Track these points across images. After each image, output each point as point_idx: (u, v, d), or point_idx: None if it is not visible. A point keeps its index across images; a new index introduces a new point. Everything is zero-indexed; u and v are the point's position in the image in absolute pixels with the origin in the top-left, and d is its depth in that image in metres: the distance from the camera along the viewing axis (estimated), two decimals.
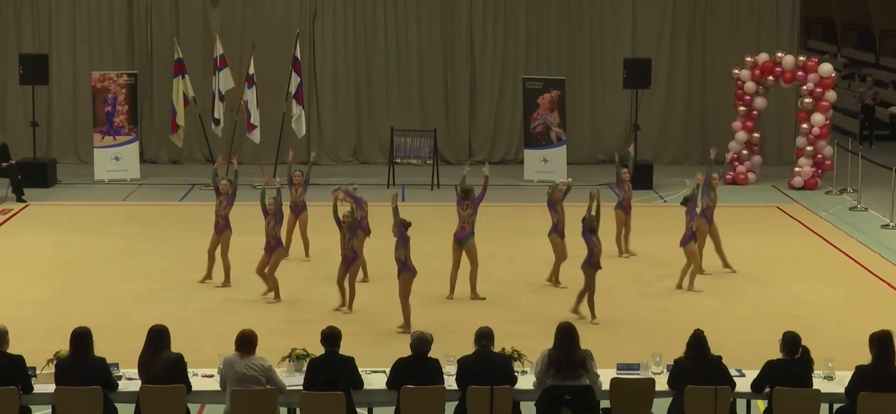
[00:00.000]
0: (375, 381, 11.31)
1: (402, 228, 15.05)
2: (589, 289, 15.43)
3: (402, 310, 15.11)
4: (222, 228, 17.22)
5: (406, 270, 15.09)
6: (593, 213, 15.62)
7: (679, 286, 17.08)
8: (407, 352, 11.17)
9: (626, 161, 19.74)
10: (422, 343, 11.12)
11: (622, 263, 18.54)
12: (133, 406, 10.93)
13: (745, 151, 25.65)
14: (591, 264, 15.42)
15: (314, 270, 18.00)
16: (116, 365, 11.30)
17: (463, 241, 16.63)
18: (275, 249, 16.32)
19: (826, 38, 38.84)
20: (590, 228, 15.46)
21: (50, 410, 11.03)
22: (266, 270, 16.34)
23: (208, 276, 17.31)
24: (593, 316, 15.43)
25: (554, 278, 17.31)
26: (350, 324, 14.86)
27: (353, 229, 15.83)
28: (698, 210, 17.49)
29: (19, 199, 22.84)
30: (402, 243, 15.11)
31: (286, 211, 17.78)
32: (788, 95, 26.59)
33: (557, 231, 17.20)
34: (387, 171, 25.11)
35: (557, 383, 10.95)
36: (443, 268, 16.87)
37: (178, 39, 25.55)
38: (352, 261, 15.75)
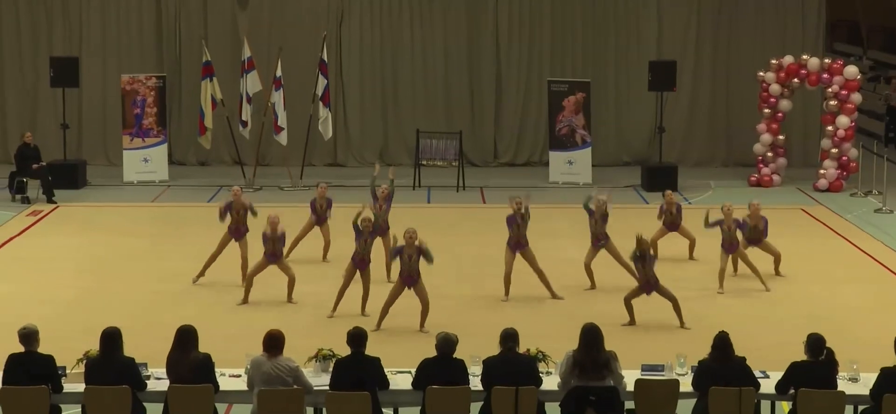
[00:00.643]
0: (401, 381, 11.32)
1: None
2: (671, 299, 15.57)
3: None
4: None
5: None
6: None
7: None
8: (432, 353, 11.18)
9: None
10: (447, 344, 11.13)
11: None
12: (161, 406, 10.97)
13: (770, 154, 25.56)
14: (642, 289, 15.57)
15: (339, 272, 17.96)
16: (145, 365, 11.36)
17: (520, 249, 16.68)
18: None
19: (851, 40, 38.64)
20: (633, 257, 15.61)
21: (80, 409, 11.08)
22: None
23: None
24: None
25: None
26: (375, 324, 14.91)
27: (373, 234, 15.90)
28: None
29: (50, 201, 22.96)
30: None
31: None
32: (813, 98, 26.48)
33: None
34: (413, 173, 25.13)
35: (582, 384, 10.94)
36: (466, 270, 16.84)
37: (206, 42, 25.63)
38: (367, 265, 15.79)
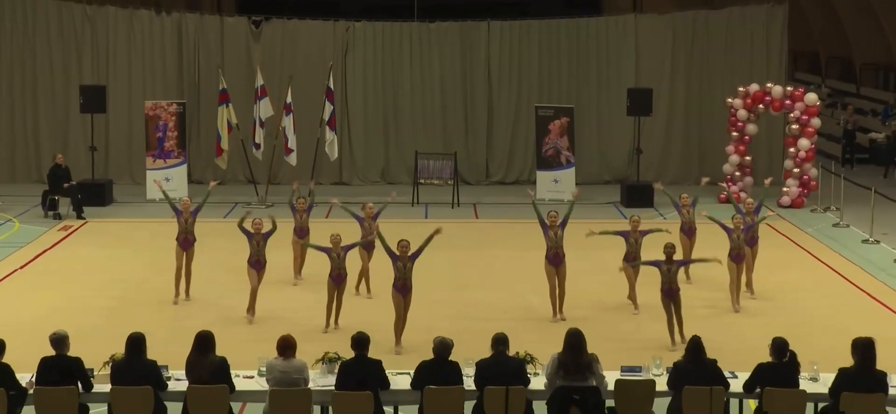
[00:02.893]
0: (401, 382, 11.30)
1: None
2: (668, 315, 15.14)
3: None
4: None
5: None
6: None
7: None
8: (429, 356, 11.17)
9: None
10: (443, 348, 11.12)
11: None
12: (181, 405, 10.95)
13: (738, 173, 25.58)
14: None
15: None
16: (166, 367, 11.33)
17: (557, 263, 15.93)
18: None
19: (811, 69, 38.77)
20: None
21: (106, 408, 11.06)
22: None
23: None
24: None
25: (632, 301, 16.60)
26: (377, 331, 14.87)
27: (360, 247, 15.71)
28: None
29: (79, 217, 22.94)
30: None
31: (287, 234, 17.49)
32: (777, 122, 26.52)
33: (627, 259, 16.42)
34: (412, 190, 25.13)
35: (566, 384, 10.93)
36: (461, 280, 16.77)
37: (222, 71, 25.65)
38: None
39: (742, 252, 16.43)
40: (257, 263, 15.77)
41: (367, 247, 16.85)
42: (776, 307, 16.81)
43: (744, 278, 16.94)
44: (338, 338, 14.14)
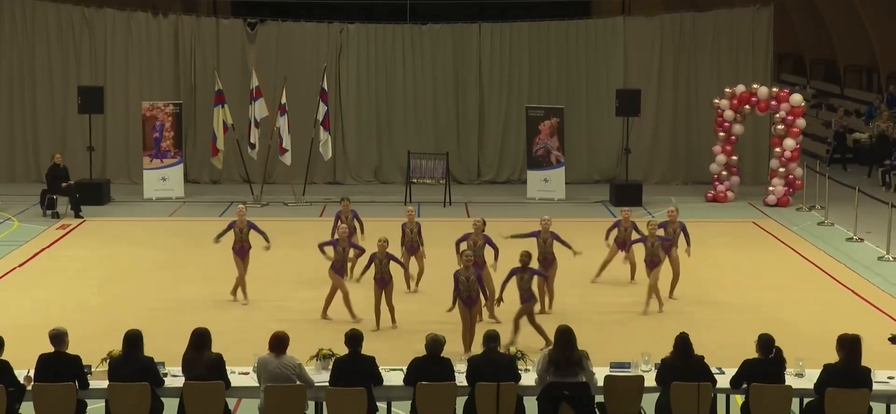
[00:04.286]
0: (394, 378, 11.29)
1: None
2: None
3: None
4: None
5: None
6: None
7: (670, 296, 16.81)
8: (422, 353, 11.16)
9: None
10: (435, 344, 11.11)
11: (613, 272, 18.25)
12: (177, 401, 10.92)
13: (724, 172, 25.61)
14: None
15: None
16: (163, 363, 11.31)
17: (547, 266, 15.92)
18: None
19: (796, 71, 38.82)
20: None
21: (104, 404, 11.03)
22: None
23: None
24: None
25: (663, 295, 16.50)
26: (370, 328, 14.87)
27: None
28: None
29: (77, 216, 22.89)
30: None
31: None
32: (763, 122, 26.55)
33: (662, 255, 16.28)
34: (404, 190, 25.12)
35: (557, 381, 10.92)
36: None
37: (218, 73, 25.61)
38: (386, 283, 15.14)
39: (657, 258, 15.99)
40: (342, 269, 15.58)
41: (410, 249, 16.82)
42: (762, 304, 16.82)
43: (669, 282, 16.74)
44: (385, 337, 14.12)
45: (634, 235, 17.22)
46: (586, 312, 16.03)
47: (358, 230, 17.37)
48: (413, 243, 17.02)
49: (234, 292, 16.66)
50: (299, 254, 18.32)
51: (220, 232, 16.91)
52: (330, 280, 15.58)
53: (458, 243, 15.91)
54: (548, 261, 15.93)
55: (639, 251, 16.87)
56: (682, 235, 16.95)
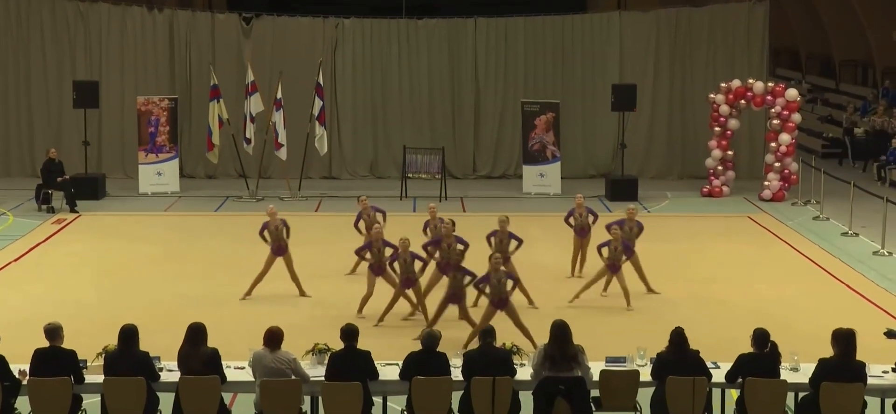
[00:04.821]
0: (389, 373, 11.29)
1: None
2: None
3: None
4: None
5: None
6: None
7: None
8: (418, 347, 11.16)
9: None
10: (431, 339, 11.12)
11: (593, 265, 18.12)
12: (173, 395, 10.92)
13: (720, 167, 25.63)
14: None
15: (335, 273, 17.93)
16: (158, 358, 11.31)
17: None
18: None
19: (792, 66, 38.84)
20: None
21: (99, 399, 11.03)
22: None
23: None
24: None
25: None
26: (366, 322, 14.88)
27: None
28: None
29: (73, 210, 22.87)
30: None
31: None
32: (759, 117, 26.57)
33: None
34: (400, 184, 25.12)
35: (552, 375, 10.93)
36: None
37: (213, 67, 25.60)
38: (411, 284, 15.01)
39: (617, 263, 15.93)
40: (379, 269, 15.43)
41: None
42: (757, 299, 16.84)
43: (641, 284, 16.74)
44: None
45: (592, 225, 17.13)
46: (580, 305, 16.02)
47: (382, 221, 17.01)
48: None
49: (302, 292, 16.49)
50: (295, 249, 18.23)
51: (260, 232, 16.47)
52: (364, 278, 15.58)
53: (488, 239, 16.07)
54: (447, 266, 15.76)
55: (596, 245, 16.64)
56: (638, 232, 16.70)
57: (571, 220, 17.52)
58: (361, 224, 17.38)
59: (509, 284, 14.18)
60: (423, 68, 27.50)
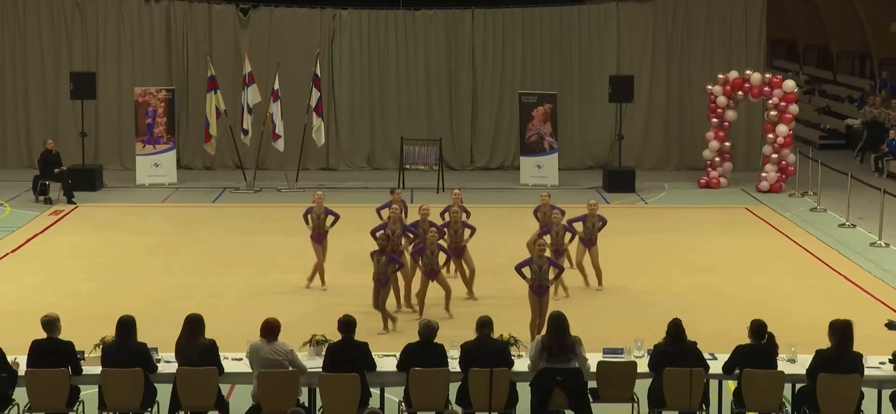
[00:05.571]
0: (387, 364, 11.30)
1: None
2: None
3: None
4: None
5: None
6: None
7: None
8: (415, 339, 11.17)
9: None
10: (429, 330, 11.12)
11: (606, 259, 18.20)
12: (170, 386, 10.92)
13: (717, 159, 25.63)
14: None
15: (335, 265, 17.91)
16: (156, 349, 11.31)
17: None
18: None
19: (789, 57, 38.83)
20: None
21: (97, 390, 11.03)
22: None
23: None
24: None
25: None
26: (366, 315, 14.87)
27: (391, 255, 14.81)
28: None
29: (70, 202, 22.85)
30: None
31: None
32: (756, 108, 26.56)
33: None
34: (397, 176, 25.10)
35: (550, 366, 10.94)
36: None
37: (211, 58, 25.56)
38: (383, 284, 14.59)
39: (561, 247, 15.85)
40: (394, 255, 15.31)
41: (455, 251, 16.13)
42: (754, 290, 16.85)
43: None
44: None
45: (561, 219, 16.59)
46: (578, 296, 16.00)
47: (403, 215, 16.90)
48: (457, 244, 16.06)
49: (311, 278, 16.51)
50: (292, 240, 18.29)
51: (304, 214, 16.53)
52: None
53: (535, 211, 16.43)
54: (459, 249, 15.98)
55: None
56: (601, 226, 16.56)
57: (539, 214, 17.21)
58: (385, 212, 17.34)
59: (552, 271, 14.06)
60: (420, 59, 27.48)
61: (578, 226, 16.39)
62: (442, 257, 15.14)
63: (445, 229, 16.04)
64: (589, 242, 16.45)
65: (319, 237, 16.46)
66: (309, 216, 16.52)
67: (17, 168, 26.47)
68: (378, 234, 15.38)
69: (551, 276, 14.08)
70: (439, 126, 27.15)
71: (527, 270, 13.91)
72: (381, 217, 16.71)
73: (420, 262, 15.04)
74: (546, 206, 17.10)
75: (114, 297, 15.98)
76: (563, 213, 16.27)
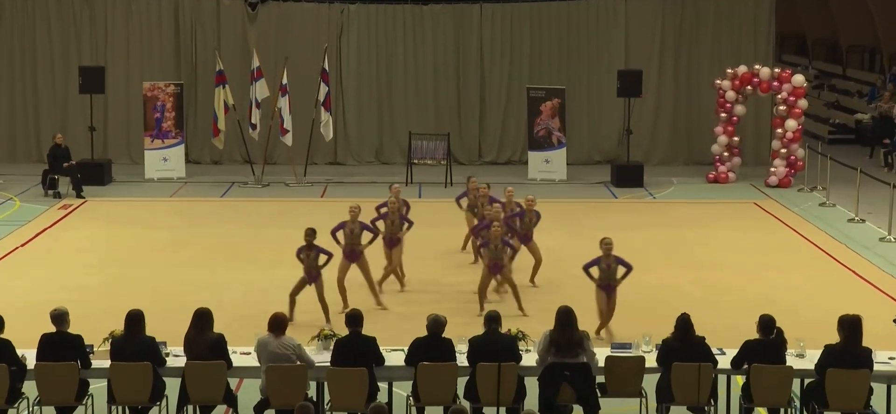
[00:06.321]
0: (395, 358, 11.31)
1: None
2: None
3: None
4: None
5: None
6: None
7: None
8: (424, 333, 11.17)
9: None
10: (437, 325, 11.12)
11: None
12: (179, 380, 10.95)
13: (726, 153, 25.59)
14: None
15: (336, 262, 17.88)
16: (165, 343, 11.33)
17: None
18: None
19: (798, 51, 38.74)
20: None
21: (106, 383, 11.06)
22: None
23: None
24: None
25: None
26: (373, 309, 14.88)
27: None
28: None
29: (79, 196, 22.89)
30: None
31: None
32: (765, 103, 26.51)
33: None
34: (405, 170, 25.10)
35: (558, 361, 10.94)
36: (454, 258, 16.76)
37: (219, 53, 25.57)
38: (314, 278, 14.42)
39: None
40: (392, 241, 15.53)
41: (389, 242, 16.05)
42: (763, 285, 16.84)
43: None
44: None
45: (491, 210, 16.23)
46: (586, 291, 15.99)
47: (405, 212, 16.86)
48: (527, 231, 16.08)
49: (380, 286, 15.79)
50: (300, 234, 18.22)
51: (333, 230, 15.30)
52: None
53: (458, 199, 16.52)
54: (394, 240, 15.93)
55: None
56: (537, 221, 16.44)
57: (464, 202, 17.32)
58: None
59: (621, 270, 13.95)
60: (428, 54, 27.46)
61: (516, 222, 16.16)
62: (508, 253, 15.03)
63: (518, 219, 15.96)
64: (526, 238, 16.24)
65: (353, 255, 15.10)
66: (339, 234, 15.20)
67: (26, 163, 26.52)
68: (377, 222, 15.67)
69: (619, 275, 13.98)
70: (447, 121, 27.14)
71: (595, 270, 13.92)
72: (379, 214, 16.50)
73: (483, 253, 15.09)
74: (475, 190, 16.85)
75: (122, 291, 16.01)
76: (503, 205, 16.19)
